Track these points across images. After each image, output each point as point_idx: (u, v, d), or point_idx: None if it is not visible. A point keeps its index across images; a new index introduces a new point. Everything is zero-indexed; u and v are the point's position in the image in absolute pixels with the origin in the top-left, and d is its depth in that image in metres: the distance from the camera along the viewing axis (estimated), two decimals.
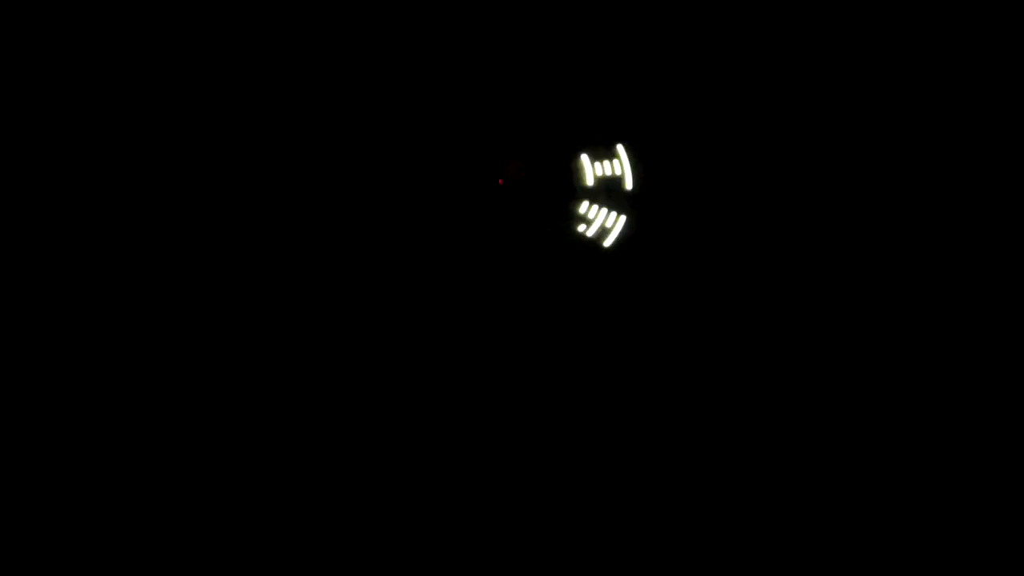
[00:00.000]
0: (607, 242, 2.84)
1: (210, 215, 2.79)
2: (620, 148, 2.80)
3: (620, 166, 2.82)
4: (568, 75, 2.81)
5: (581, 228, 2.86)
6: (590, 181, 2.83)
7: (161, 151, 2.78)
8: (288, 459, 2.75)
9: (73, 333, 2.75)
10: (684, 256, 2.83)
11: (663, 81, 2.81)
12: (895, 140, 2.76)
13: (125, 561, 2.66)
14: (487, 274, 2.85)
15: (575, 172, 2.85)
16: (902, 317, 2.76)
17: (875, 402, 2.75)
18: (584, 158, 2.83)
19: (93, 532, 2.67)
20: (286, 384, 2.79)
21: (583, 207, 2.86)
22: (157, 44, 2.76)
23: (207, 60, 2.76)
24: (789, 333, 2.80)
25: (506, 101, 2.83)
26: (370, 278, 2.85)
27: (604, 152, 2.83)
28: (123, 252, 2.77)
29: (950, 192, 2.75)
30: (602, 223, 2.86)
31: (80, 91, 2.74)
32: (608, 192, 2.84)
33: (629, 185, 2.82)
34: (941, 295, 2.76)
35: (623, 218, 2.84)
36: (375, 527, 2.72)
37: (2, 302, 2.73)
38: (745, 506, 2.72)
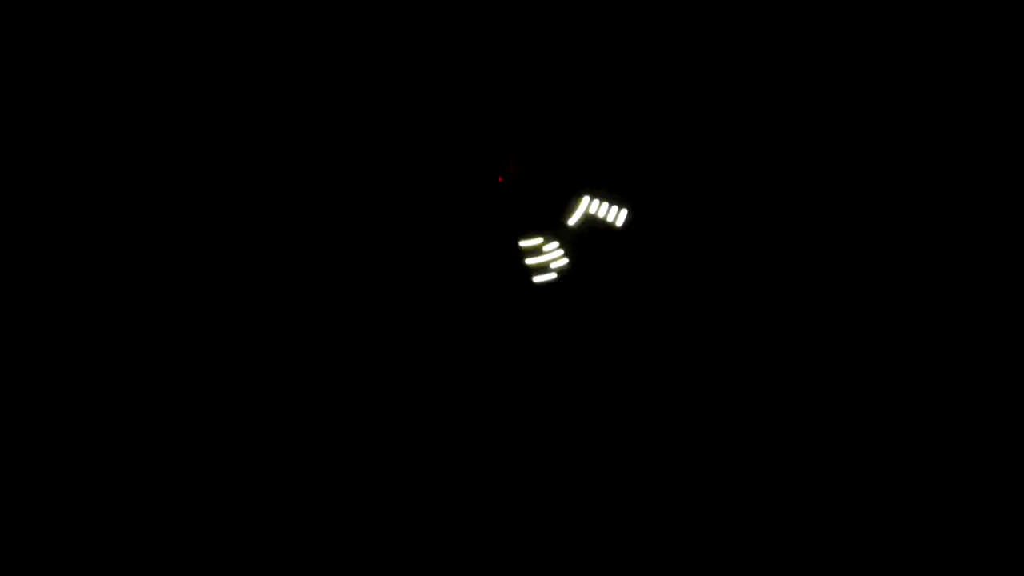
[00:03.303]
0: (606, 239, 2.84)
1: (210, 215, 2.79)
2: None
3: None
4: (566, 75, 2.81)
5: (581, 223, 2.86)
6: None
7: (162, 151, 2.77)
8: (287, 458, 2.75)
9: (73, 333, 2.75)
10: (680, 260, 2.82)
11: (661, 81, 2.81)
12: (883, 150, 2.77)
13: (125, 561, 2.66)
14: (484, 273, 2.85)
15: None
16: (883, 325, 2.76)
17: (861, 406, 2.75)
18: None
19: (93, 532, 2.67)
20: (283, 383, 2.79)
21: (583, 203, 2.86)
22: (157, 44, 2.75)
23: (208, 60, 2.75)
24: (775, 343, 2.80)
25: (506, 101, 2.82)
26: (368, 276, 2.85)
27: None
28: (123, 252, 2.77)
29: (939, 193, 2.76)
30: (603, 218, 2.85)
31: (81, 91, 2.74)
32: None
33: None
34: (935, 295, 2.76)
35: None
36: (372, 526, 2.72)
37: (2, 302, 2.73)
38: (736, 507, 2.72)
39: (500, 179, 2.80)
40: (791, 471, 2.75)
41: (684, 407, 2.80)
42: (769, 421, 2.78)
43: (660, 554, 2.71)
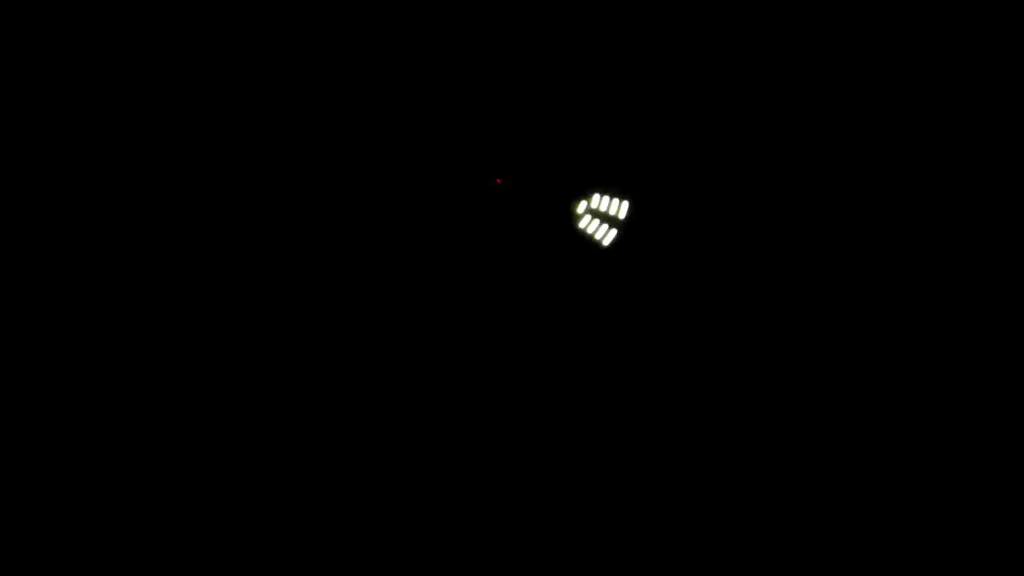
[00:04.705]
0: (606, 240, 2.84)
1: (210, 215, 2.79)
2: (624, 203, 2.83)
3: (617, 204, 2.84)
4: (567, 76, 2.81)
5: (581, 224, 2.87)
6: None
7: (161, 151, 2.78)
8: (288, 459, 2.76)
9: (74, 333, 2.76)
10: (679, 257, 2.83)
11: (661, 83, 2.81)
12: (893, 151, 2.77)
13: (125, 561, 2.67)
14: (484, 272, 2.86)
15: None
16: (894, 326, 2.76)
17: (867, 405, 2.75)
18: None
19: (93, 532, 2.68)
20: (286, 384, 2.80)
21: (582, 206, 2.87)
22: (158, 44, 2.76)
23: (208, 61, 2.76)
24: (783, 336, 2.80)
25: (506, 102, 2.83)
26: (369, 276, 2.85)
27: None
28: (124, 252, 2.78)
29: (943, 196, 2.76)
30: (601, 221, 2.86)
31: (83, 92, 2.75)
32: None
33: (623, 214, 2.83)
34: (939, 298, 2.76)
35: (622, 212, 2.85)
36: (375, 527, 2.73)
37: (2, 302, 2.74)
38: (740, 505, 2.72)
39: (499, 181, 2.81)
40: (792, 471, 2.75)
41: (693, 403, 2.81)
42: (771, 420, 2.78)
43: (660, 554, 2.72)
